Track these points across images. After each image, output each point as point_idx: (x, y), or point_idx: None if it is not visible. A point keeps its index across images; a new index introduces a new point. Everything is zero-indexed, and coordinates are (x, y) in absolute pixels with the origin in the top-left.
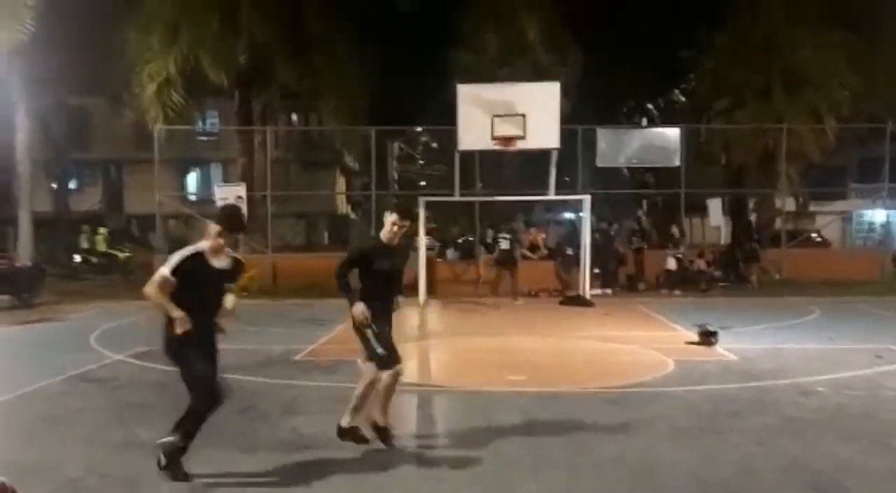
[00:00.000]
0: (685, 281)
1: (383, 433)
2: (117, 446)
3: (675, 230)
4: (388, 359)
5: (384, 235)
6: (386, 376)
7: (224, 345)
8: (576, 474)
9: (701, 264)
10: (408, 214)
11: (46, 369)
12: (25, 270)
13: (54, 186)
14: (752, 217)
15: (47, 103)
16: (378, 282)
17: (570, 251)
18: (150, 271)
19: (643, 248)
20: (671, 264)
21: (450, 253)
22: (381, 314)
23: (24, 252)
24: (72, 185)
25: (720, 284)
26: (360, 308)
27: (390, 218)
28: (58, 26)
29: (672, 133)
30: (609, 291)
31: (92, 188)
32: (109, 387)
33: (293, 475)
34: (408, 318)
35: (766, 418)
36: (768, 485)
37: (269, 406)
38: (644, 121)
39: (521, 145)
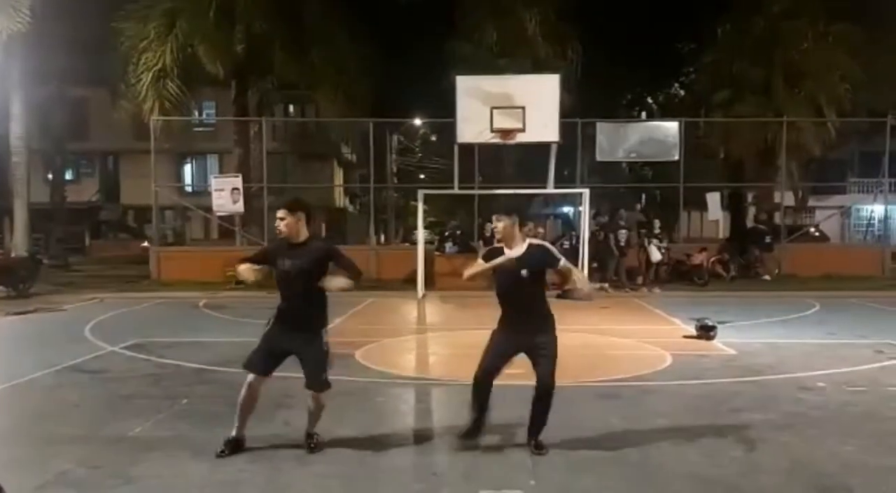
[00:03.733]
0: (681, 276)
1: None
2: (109, 438)
3: (656, 222)
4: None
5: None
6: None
7: (218, 337)
8: (574, 470)
9: (700, 258)
10: (295, 205)
11: (40, 360)
12: (21, 260)
13: (51, 176)
14: (751, 211)
15: (45, 94)
16: (280, 282)
17: (566, 245)
18: (146, 262)
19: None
20: (655, 255)
21: (448, 246)
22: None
23: (20, 243)
24: (69, 176)
25: (725, 276)
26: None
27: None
28: (56, 16)
29: (671, 126)
30: (606, 285)
31: (89, 179)
32: (102, 379)
33: (285, 468)
34: (406, 311)
35: (768, 414)
36: (772, 484)
37: (262, 399)
38: (643, 115)
39: (520, 138)
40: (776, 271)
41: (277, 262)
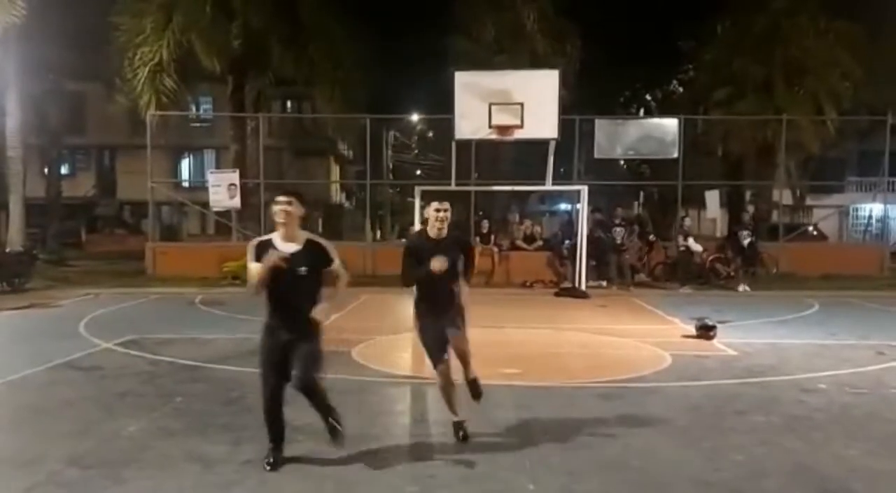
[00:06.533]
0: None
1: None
2: (102, 437)
3: (687, 220)
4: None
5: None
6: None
7: (214, 334)
8: (575, 474)
9: (702, 256)
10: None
11: (33, 356)
12: (16, 255)
13: (47, 171)
14: (750, 209)
15: (41, 88)
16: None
17: (566, 243)
18: (142, 258)
19: (656, 241)
20: (696, 247)
21: None
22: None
23: (15, 238)
24: (65, 170)
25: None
26: None
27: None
28: (51, 9)
29: (670, 124)
30: (604, 283)
31: (85, 174)
32: (96, 376)
33: (280, 469)
34: (402, 308)
35: (770, 416)
36: (775, 488)
37: (258, 398)
38: (642, 112)
39: (518, 135)
40: (774, 269)
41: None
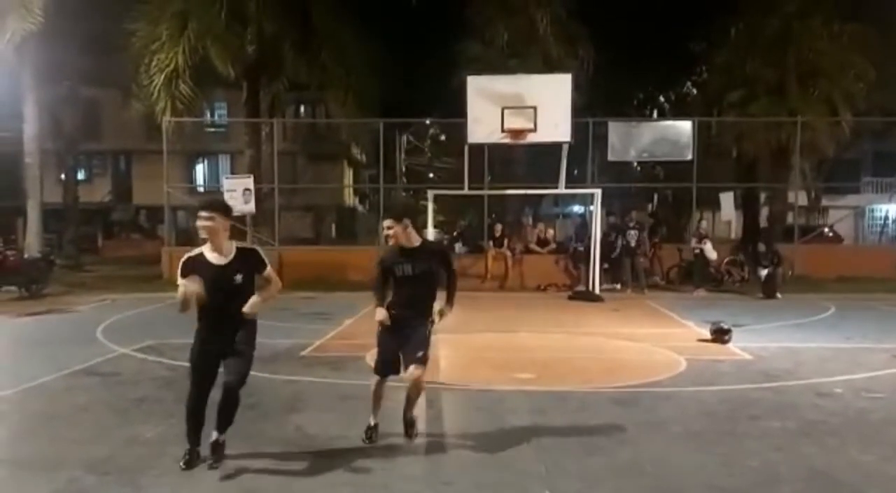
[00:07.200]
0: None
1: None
2: (119, 443)
3: (703, 223)
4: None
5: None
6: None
7: None
8: (589, 480)
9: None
10: (402, 213)
11: (51, 362)
12: (33, 261)
13: (63, 177)
14: (764, 212)
15: (58, 94)
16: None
17: (580, 246)
18: (158, 262)
19: (659, 242)
20: (711, 254)
21: (458, 246)
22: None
23: (33, 244)
24: (81, 176)
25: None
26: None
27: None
28: (68, 17)
29: (684, 126)
30: (618, 286)
31: (101, 179)
32: (114, 382)
33: (295, 475)
34: None
35: (785, 421)
36: None
37: (274, 403)
38: (655, 113)
39: (531, 139)
40: (789, 272)
41: (395, 268)
